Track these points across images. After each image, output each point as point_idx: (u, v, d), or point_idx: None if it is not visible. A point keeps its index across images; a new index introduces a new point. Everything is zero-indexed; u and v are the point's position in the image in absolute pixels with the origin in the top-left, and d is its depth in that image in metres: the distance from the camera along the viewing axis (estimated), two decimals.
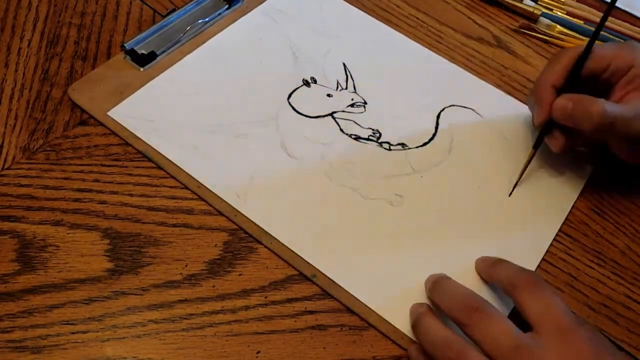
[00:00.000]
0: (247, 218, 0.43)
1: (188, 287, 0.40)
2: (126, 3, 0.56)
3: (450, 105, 0.51)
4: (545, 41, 0.57)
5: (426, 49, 0.55)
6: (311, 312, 0.40)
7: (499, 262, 0.40)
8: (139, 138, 0.46)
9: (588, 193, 0.47)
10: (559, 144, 0.45)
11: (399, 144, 0.48)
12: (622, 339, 0.41)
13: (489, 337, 0.34)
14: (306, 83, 0.51)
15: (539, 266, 0.43)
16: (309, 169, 0.46)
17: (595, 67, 0.44)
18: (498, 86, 0.53)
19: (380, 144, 0.48)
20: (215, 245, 0.42)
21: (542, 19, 0.58)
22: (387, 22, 0.57)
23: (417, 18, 0.58)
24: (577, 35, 0.57)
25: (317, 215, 0.44)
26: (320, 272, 0.41)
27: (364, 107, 0.50)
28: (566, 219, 0.46)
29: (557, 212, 0.46)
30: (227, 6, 0.55)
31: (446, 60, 0.54)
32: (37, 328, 0.38)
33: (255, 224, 0.43)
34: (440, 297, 0.38)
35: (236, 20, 0.55)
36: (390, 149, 0.48)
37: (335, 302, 0.40)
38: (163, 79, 0.50)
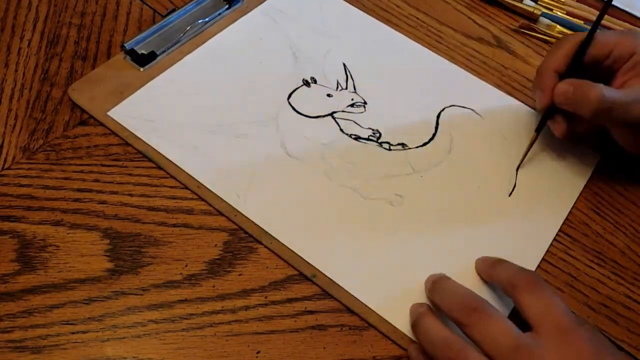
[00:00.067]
0: (247, 218, 0.43)
1: (188, 287, 0.40)
2: (126, 3, 0.56)
3: (450, 105, 0.51)
4: (545, 41, 0.57)
5: (426, 49, 0.55)
6: (311, 312, 0.40)
7: (499, 262, 0.40)
8: (139, 138, 0.46)
9: (588, 193, 0.47)
10: (561, 128, 0.45)
11: (399, 144, 0.48)
12: (622, 339, 0.41)
13: (489, 337, 0.34)
14: (306, 83, 0.51)
15: (539, 266, 0.43)
16: (309, 169, 0.46)
17: (597, 54, 0.45)
18: (498, 86, 0.53)
19: (380, 144, 0.48)
20: (215, 245, 0.42)
21: (542, 19, 0.58)
22: (387, 22, 0.57)
23: (417, 18, 0.58)
24: None
25: (317, 215, 0.44)
26: (320, 272, 0.41)
27: (364, 107, 0.50)
28: (566, 219, 0.46)
29: (557, 212, 0.46)
30: (227, 6, 0.55)
31: (446, 60, 0.54)
32: (37, 328, 0.38)
33: (255, 224, 0.43)
34: (440, 297, 0.38)
35: (236, 20, 0.55)
36: (390, 149, 0.48)
37: (335, 302, 0.40)
38: (163, 79, 0.50)
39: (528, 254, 0.43)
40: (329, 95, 0.51)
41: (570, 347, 0.34)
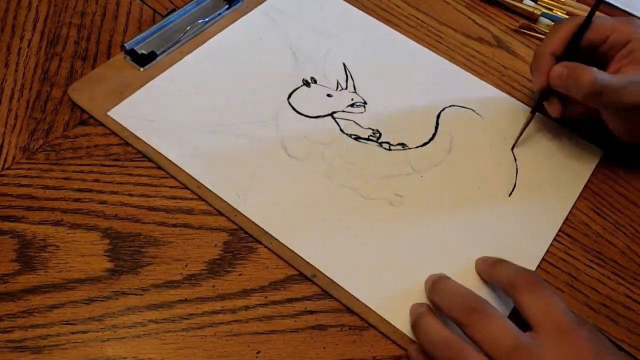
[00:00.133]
0: (247, 218, 0.43)
1: (188, 287, 0.40)
2: (126, 3, 0.56)
3: (450, 105, 0.51)
4: None
5: (426, 49, 0.55)
6: (311, 312, 0.40)
7: (499, 262, 0.40)
8: (139, 138, 0.46)
9: (588, 193, 0.47)
10: (556, 109, 0.47)
11: (399, 144, 0.48)
12: (622, 339, 0.41)
13: (489, 337, 0.34)
14: (306, 83, 0.51)
15: (539, 266, 0.43)
16: (309, 169, 0.46)
17: (594, 39, 0.45)
18: (498, 86, 0.53)
19: (380, 144, 0.48)
20: (215, 245, 0.42)
21: (542, 19, 0.58)
22: (387, 22, 0.57)
23: (417, 18, 0.58)
24: None
25: (317, 215, 0.44)
26: (320, 272, 0.41)
27: (364, 107, 0.50)
28: (566, 219, 0.46)
29: (557, 212, 0.46)
30: (227, 6, 0.55)
31: (446, 60, 0.54)
32: (37, 328, 0.38)
33: (255, 224, 0.43)
34: (440, 297, 0.38)
35: (236, 20, 0.55)
36: (390, 149, 0.48)
37: (335, 302, 0.40)
38: (163, 79, 0.50)
39: (528, 254, 0.43)
40: (329, 95, 0.51)
41: (570, 347, 0.34)
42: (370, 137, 0.48)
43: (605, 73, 0.43)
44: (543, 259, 0.43)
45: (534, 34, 0.58)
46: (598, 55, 0.46)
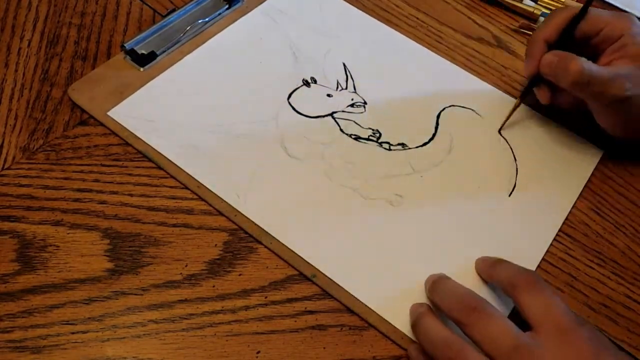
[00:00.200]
0: (247, 218, 0.43)
1: (188, 287, 0.40)
2: (126, 3, 0.56)
3: (450, 105, 0.51)
4: None
5: (426, 49, 0.55)
6: (311, 312, 0.40)
7: (499, 262, 0.40)
8: (139, 138, 0.46)
9: (588, 193, 0.47)
10: (545, 96, 0.47)
11: (399, 144, 0.48)
12: (622, 339, 0.41)
13: (489, 337, 0.34)
14: (306, 83, 0.51)
15: (539, 266, 0.43)
16: (309, 169, 0.46)
17: (588, 30, 0.46)
18: (498, 86, 0.53)
19: (380, 144, 0.48)
20: (215, 245, 0.42)
21: (542, 19, 0.58)
22: (387, 22, 0.57)
23: (417, 18, 0.58)
24: None
25: (317, 215, 0.44)
26: (320, 272, 0.41)
27: (364, 107, 0.50)
28: (566, 219, 0.46)
29: (557, 212, 0.46)
30: (227, 6, 0.55)
31: (446, 60, 0.54)
32: (37, 328, 0.38)
33: (255, 224, 0.43)
34: (440, 297, 0.38)
35: (236, 20, 0.55)
36: (390, 149, 0.48)
37: (335, 302, 0.40)
38: (163, 79, 0.50)
39: (528, 254, 0.43)
40: (329, 95, 0.51)
41: (570, 347, 0.34)
42: (370, 137, 0.48)
43: (593, 64, 0.44)
44: (543, 259, 0.43)
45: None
46: (590, 47, 0.46)
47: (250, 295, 0.40)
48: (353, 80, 0.52)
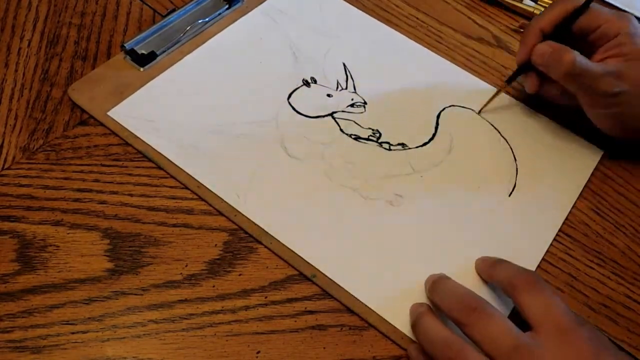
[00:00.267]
0: (247, 218, 0.43)
1: (188, 287, 0.40)
2: (126, 3, 0.56)
3: (450, 105, 0.51)
4: None
5: (426, 49, 0.55)
6: (311, 312, 0.40)
7: (499, 262, 0.40)
8: (139, 138, 0.46)
9: (588, 193, 0.47)
10: (533, 85, 0.48)
11: (399, 144, 0.48)
12: (622, 339, 0.41)
13: (488, 337, 0.34)
14: (306, 83, 0.51)
15: (539, 266, 0.43)
16: (309, 169, 0.46)
17: (585, 25, 0.46)
18: (498, 86, 0.53)
19: (380, 144, 0.48)
20: (215, 245, 0.42)
21: None
22: (387, 22, 0.57)
23: (417, 18, 0.58)
24: None
25: (317, 215, 0.44)
26: (320, 272, 0.41)
27: (364, 107, 0.50)
28: (566, 219, 0.46)
29: (557, 212, 0.46)
30: (227, 6, 0.55)
31: (446, 60, 0.54)
32: (37, 328, 0.38)
33: (255, 224, 0.43)
34: (440, 297, 0.38)
35: (236, 20, 0.55)
36: (390, 149, 0.48)
37: (335, 302, 0.40)
38: (163, 79, 0.50)
39: (528, 254, 0.43)
40: (329, 95, 0.51)
41: (570, 347, 0.34)
42: (370, 137, 0.48)
43: (586, 58, 0.44)
44: (543, 259, 0.43)
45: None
46: (586, 42, 0.46)
47: (250, 295, 0.40)
48: (353, 80, 0.52)
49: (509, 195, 0.46)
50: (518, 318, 0.36)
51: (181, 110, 0.48)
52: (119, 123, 0.47)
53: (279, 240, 0.42)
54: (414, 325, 0.38)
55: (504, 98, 0.52)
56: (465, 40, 0.57)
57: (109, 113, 0.47)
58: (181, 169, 0.45)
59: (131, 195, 0.44)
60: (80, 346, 0.37)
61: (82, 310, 0.39)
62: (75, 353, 0.37)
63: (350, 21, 0.57)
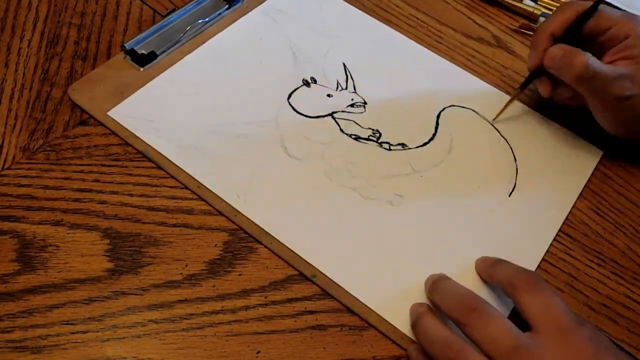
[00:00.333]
0: (247, 218, 0.43)
1: (188, 287, 0.40)
2: (126, 3, 0.56)
3: (450, 106, 0.51)
4: None
5: (426, 49, 0.55)
6: (311, 312, 0.40)
7: (499, 262, 0.40)
8: (139, 138, 0.46)
9: (588, 193, 0.47)
10: (546, 89, 0.48)
11: (399, 144, 0.48)
12: (622, 339, 0.41)
13: (488, 337, 0.34)
14: (306, 83, 0.51)
15: (539, 266, 0.43)
16: (309, 169, 0.46)
17: (595, 28, 0.46)
18: (498, 86, 0.53)
19: (380, 144, 0.48)
20: (215, 245, 0.42)
21: (542, 19, 0.58)
22: (387, 22, 0.57)
23: (417, 18, 0.58)
24: None
25: (317, 215, 0.44)
26: (320, 272, 0.41)
27: (364, 107, 0.50)
28: (566, 219, 0.46)
29: (557, 212, 0.46)
30: (227, 6, 0.55)
31: (446, 60, 0.54)
32: (37, 328, 0.38)
33: (255, 224, 0.43)
34: (440, 297, 0.38)
35: (236, 20, 0.55)
36: (390, 149, 0.48)
37: (335, 302, 0.40)
38: (163, 79, 0.50)
39: (528, 254, 0.43)
40: (329, 95, 0.51)
41: (570, 347, 0.34)
42: (370, 137, 0.48)
43: (598, 61, 0.44)
44: (543, 259, 0.43)
45: (533, 34, 0.58)
46: (596, 44, 0.46)
47: (250, 295, 0.40)
48: (353, 80, 0.52)
49: (509, 195, 0.46)
50: (518, 318, 0.36)
51: (181, 110, 0.48)
52: (119, 123, 0.47)
53: (279, 240, 0.42)
54: (414, 325, 0.38)
55: (504, 98, 0.52)
56: (465, 40, 0.57)
57: (109, 113, 0.47)
58: (181, 169, 0.45)
59: (131, 195, 0.44)
60: (80, 346, 0.37)
61: (82, 310, 0.39)
62: (75, 353, 0.37)
63: (350, 21, 0.57)
